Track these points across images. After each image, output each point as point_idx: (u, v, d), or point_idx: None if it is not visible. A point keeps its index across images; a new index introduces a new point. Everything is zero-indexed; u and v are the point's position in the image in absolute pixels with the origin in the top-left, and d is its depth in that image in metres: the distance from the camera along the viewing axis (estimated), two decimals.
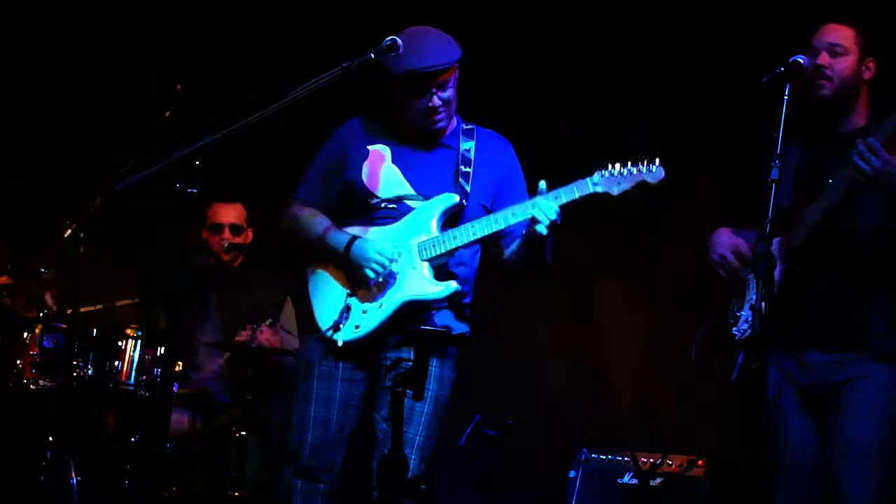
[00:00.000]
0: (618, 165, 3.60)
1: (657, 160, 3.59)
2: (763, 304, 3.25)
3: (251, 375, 5.02)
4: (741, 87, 4.76)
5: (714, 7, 5.50)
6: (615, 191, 3.60)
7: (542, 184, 3.63)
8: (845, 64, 3.69)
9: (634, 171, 3.59)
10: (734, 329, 3.72)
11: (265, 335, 5.10)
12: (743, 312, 3.69)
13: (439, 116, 3.78)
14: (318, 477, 3.79)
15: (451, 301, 3.79)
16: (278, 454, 3.96)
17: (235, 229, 5.47)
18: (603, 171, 3.61)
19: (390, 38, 3.60)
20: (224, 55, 6.31)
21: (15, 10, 6.22)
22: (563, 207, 3.59)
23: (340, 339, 3.73)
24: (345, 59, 3.61)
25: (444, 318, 3.80)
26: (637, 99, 5.53)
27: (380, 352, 3.79)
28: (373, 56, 3.57)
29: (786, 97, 3.41)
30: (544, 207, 3.56)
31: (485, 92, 5.87)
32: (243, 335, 5.12)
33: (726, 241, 3.78)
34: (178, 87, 4.51)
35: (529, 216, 3.59)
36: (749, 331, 3.34)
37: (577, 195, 3.61)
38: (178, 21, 6.29)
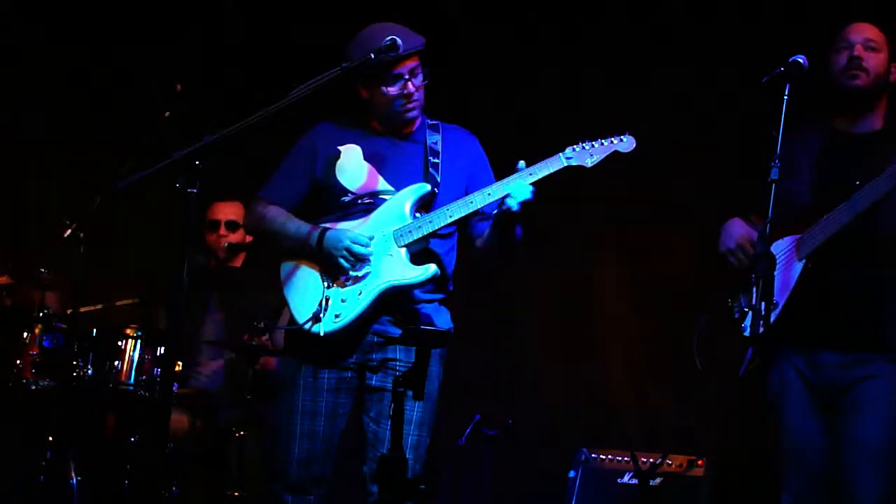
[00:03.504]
0: (589, 141, 3.70)
1: (626, 132, 3.70)
2: (763, 304, 3.25)
3: (251, 375, 5.01)
4: (741, 87, 4.77)
5: (714, 7, 5.50)
6: (588, 162, 3.69)
7: (521, 163, 3.69)
8: (880, 59, 3.73)
9: (606, 143, 3.70)
10: (743, 324, 3.71)
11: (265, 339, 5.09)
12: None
13: (413, 104, 3.82)
14: (307, 490, 3.74)
15: (434, 284, 3.77)
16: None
17: (231, 225, 5.45)
18: (575, 146, 3.70)
19: (390, 37, 3.65)
20: (224, 55, 6.31)
21: (15, 10, 6.22)
22: (536, 184, 3.64)
23: (322, 329, 3.69)
24: (343, 59, 3.64)
25: (427, 314, 3.80)
26: (636, 99, 5.53)
27: (364, 353, 3.77)
28: (373, 56, 3.62)
29: (786, 97, 3.40)
30: (519, 184, 3.63)
31: (485, 93, 5.92)
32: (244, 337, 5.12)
33: (739, 231, 3.77)
34: (178, 87, 4.51)
35: (505, 193, 3.64)
36: (755, 329, 3.32)
37: (550, 170, 3.68)
38: (178, 21, 6.29)
